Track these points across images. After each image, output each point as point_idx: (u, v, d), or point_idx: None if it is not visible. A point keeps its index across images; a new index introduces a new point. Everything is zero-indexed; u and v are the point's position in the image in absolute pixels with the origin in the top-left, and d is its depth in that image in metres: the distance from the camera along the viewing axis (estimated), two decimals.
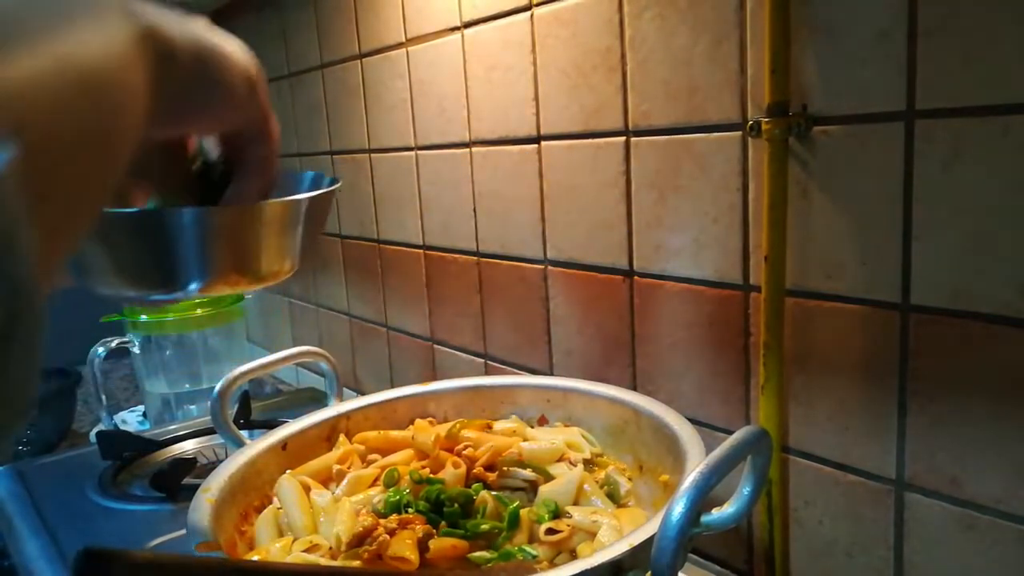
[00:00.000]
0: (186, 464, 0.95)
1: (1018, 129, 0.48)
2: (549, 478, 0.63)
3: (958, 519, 0.55)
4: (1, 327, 0.18)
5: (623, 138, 0.74)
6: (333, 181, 0.48)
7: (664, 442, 0.63)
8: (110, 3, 0.27)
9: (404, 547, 0.53)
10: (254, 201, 0.42)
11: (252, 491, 0.65)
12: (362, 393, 1.07)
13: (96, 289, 0.42)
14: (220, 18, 1.47)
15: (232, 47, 0.37)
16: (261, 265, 0.43)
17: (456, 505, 0.58)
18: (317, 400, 1.24)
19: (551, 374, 0.89)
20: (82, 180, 0.24)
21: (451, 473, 0.63)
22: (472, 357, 1.02)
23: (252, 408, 1.18)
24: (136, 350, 1.34)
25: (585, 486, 0.63)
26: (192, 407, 1.37)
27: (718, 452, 0.46)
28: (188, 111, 0.36)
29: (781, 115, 0.59)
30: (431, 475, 0.63)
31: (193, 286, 0.41)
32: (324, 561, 0.56)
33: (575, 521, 0.58)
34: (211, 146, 0.44)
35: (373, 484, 0.65)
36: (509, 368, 0.96)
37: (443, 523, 0.57)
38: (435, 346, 1.10)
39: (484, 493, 0.60)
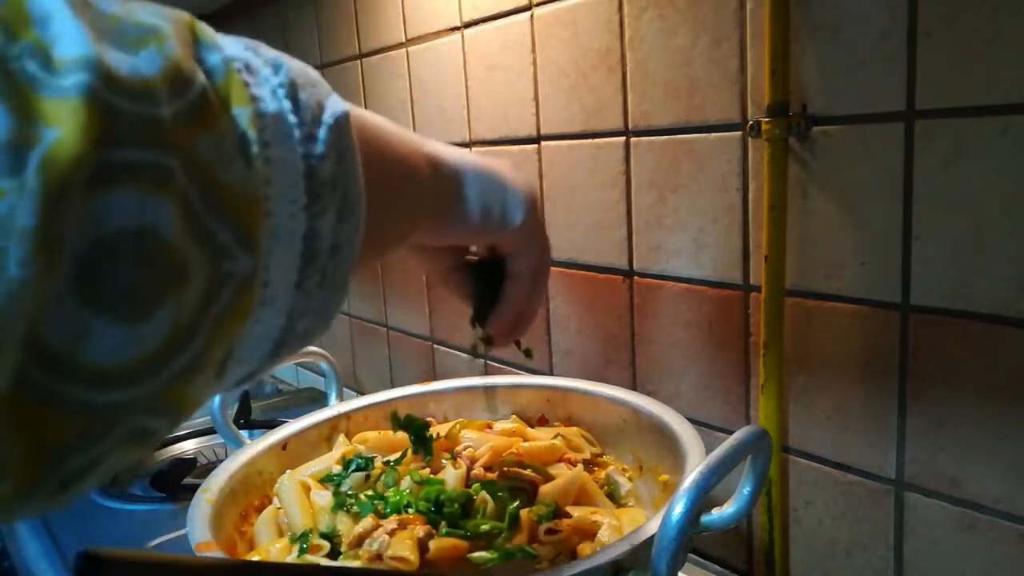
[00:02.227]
0: (186, 464, 0.95)
1: (1017, 129, 0.48)
2: (549, 478, 0.63)
3: (958, 519, 0.55)
4: (332, 242, 0.27)
5: (623, 138, 0.74)
6: None
7: (664, 442, 0.63)
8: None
9: (404, 547, 0.53)
10: (520, 305, 0.47)
11: (252, 491, 0.65)
12: (362, 393, 1.07)
13: None
14: (220, 18, 1.47)
15: (508, 171, 0.42)
16: None
17: (456, 505, 0.58)
18: (317, 400, 1.24)
19: (551, 374, 0.89)
20: (373, 220, 0.30)
21: (451, 473, 0.63)
22: (472, 357, 1.02)
23: (252, 408, 1.19)
24: None
25: (585, 486, 0.63)
26: None
27: (718, 452, 0.46)
28: (473, 230, 0.41)
29: (781, 115, 0.59)
30: (431, 475, 0.63)
31: None
32: (324, 561, 0.56)
33: (575, 521, 0.58)
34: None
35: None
36: (509, 368, 0.96)
37: (443, 523, 0.57)
38: (435, 346, 1.10)
39: (484, 493, 0.59)
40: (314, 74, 0.28)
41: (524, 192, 0.43)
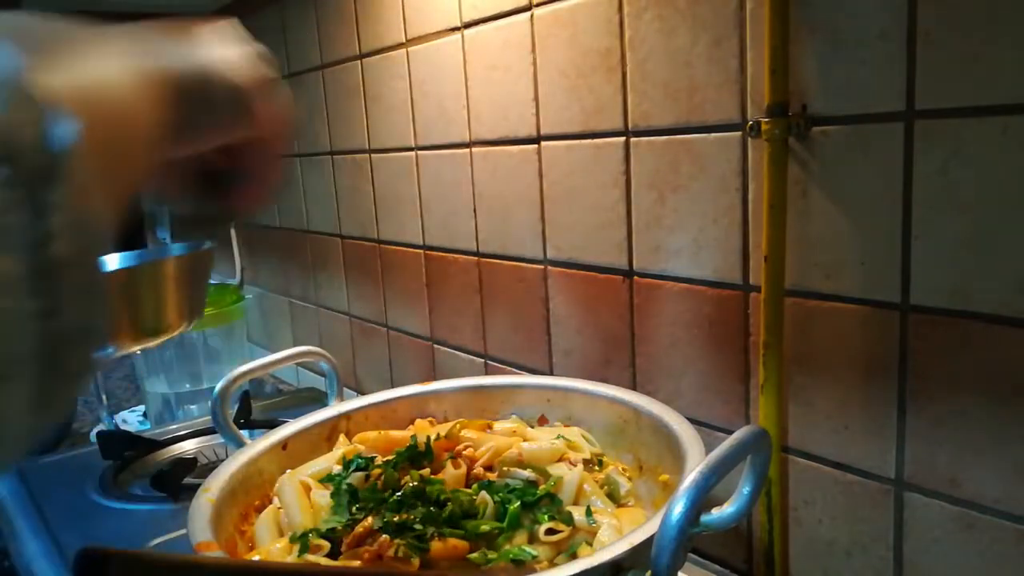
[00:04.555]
0: (187, 464, 0.96)
1: (1017, 129, 0.48)
2: (549, 478, 0.63)
3: (957, 519, 0.55)
4: (75, 259, 0.21)
5: (623, 138, 0.74)
6: (207, 246, 0.51)
7: (664, 442, 0.63)
8: (122, 44, 0.31)
9: (404, 547, 0.53)
10: (252, 206, 0.43)
11: (252, 491, 0.65)
12: (362, 393, 1.07)
13: None
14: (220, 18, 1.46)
15: (231, 63, 0.39)
16: (151, 321, 0.47)
17: (456, 505, 0.58)
18: (317, 400, 1.24)
19: (551, 374, 0.89)
20: (107, 178, 0.26)
21: (451, 473, 0.63)
22: (472, 357, 1.02)
23: (252, 408, 1.19)
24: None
25: (585, 486, 0.63)
26: (192, 407, 1.37)
27: (718, 452, 0.46)
28: (195, 135, 0.38)
29: (781, 115, 0.59)
30: (431, 475, 0.63)
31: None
32: (324, 561, 0.56)
33: (575, 521, 0.58)
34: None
35: None
36: (509, 368, 0.96)
37: (443, 523, 0.57)
38: (435, 346, 1.10)
39: (484, 493, 0.60)
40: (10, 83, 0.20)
41: (239, 82, 0.39)
